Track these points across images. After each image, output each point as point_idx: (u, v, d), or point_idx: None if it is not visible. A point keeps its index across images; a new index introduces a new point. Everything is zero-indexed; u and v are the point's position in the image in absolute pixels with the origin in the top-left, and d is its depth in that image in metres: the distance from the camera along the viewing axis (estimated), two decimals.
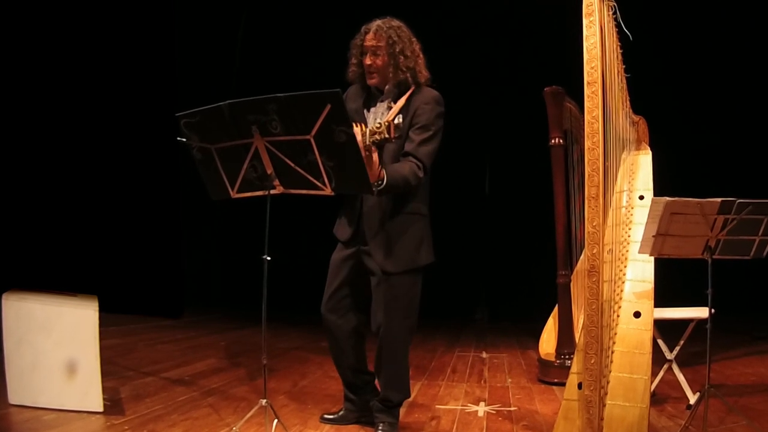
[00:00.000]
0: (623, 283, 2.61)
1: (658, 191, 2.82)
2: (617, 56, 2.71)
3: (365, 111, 2.69)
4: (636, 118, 3.18)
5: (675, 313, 3.21)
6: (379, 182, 2.42)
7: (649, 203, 2.51)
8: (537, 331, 4.22)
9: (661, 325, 3.20)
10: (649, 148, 3.13)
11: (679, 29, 6.75)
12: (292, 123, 2.24)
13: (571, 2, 2.56)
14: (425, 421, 2.99)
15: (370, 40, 2.63)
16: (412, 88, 2.64)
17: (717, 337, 2.67)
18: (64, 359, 2.80)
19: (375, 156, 2.38)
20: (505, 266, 7.44)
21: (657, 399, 3.26)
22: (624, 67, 2.81)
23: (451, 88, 2.91)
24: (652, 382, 2.90)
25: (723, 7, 6.64)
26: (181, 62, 6.35)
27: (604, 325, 2.39)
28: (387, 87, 2.66)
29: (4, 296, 2.87)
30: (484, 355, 4.92)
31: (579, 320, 3.71)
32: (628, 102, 2.99)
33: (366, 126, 2.42)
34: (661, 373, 3.30)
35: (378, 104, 2.68)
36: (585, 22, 2.38)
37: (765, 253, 2.51)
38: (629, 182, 2.94)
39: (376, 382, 2.79)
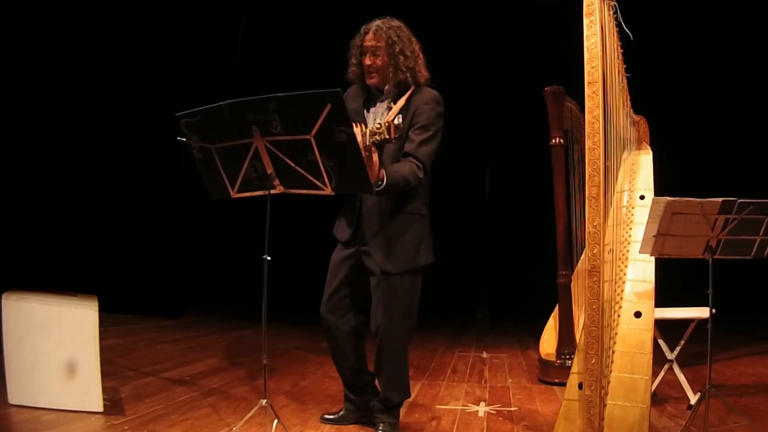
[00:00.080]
0: (624, 283, 2.60)
1: (658, 191, 2.82)
2: (618, 56, 2.70)
3: (365, 111, 2.69)
4: (637, 117, 3.17)
5: (676, 313, 3.21)
6: (379, 183, 2.42)
7: (650, 203, 2.51)
8: (537, 331, 4.21)
9: (661, 325, 3.19)
10: (649, 147, 3.13)
11: (679, 29, 6.74)
12: (292, 123, 2.24)
13: (572, 2, 2.56)
14: (425, 421, 2.99)
15: (369, 41, 2.62)
16: (412, 88, 2.63)
17: (718, 337, 2.67)
18: (63, 359, 2.80)
19: (375, 156, 2.38)
20: (505, 266, 7.43)
21: (658, 399, 3.25)
22: (625, 66, 2.80)
23: (452, 88, 2.90)
24: (652, 382, 2.90)
25: (723, 7, 6.64)
26: (181, 62, 6.35)
27: (604, 325, 2.38)
28: (387, 87, 2.66)
29: (4, 296, 2.87)
30: (484, 355, 4.92)
31: (579, 320, 3.70)
32: (628, 102, 2.98)
33: (366, 126, 2.41)
34: (662, 373, 3.29)
35: (378, 104, 2.68)
36: (586, 21, 2.38)
37: (766, 253, 2.50)
38: (630, 182, 2.94)
39: (377, 382, 2.78)
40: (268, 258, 2.35)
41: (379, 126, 2.30)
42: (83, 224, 5.41)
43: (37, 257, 5.08)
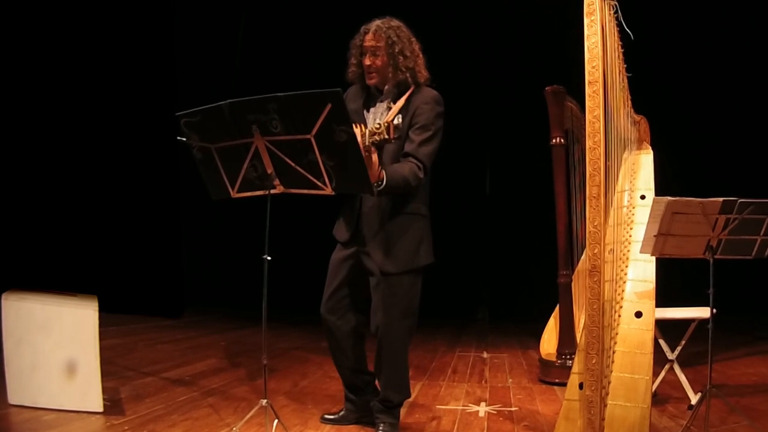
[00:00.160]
0: (624, 283, 2.60)
1: (659, 191, 2.82)
2: (618, 55, 2.70)
3: (365, 111, 2.68)
4: (637, 117, 3.17)
5: (676, 313, 3.20)
6: (379, 183, 2.41)
7: (651, 203, 2.51)
8: (538, 331, 4.21)
9: (662, 325, 3.19)
10: (650, 147, 3.12)
11: (680, 28, 6.74)
12: (292, 122, 2.24)
13: (572, 1, 2.55)
14: (426, 421, 2.99)
15: (369, 41, 2.62)
16: (412, 88, 2.63)
17: (718, 337, 2.66)
18: (63, 359, 2.79)
19: (374, 156, 2.37)
20: (506, 266, 7.43)
21: (658, 399, 3.25)
22: (625, 66, 2.80)
23: (452, 88, 2.90)
24: (653, 383, 2.89)
25: (724, 7, 6.64)
26: (181, 62, 6.35)
27: (605, 325, 2.38)
28: (386, 87, 2.65)
29: (3, 296, 2.86)
30: (485, 355, 4.92)
31: (580, 320, 3.70)
32: (629, 101, 2.98)
33: (365, 126, 2.41)
34: (663, 373, 3.29)
35: (377, 104, 2.67)
36: (586, 21, 2.38)
37: (766, 253, 2.50)
38: (631, 182, 2.94)
39: (377, 382, 2.78)
40: (268, 258, 2.35)
41: (378, 126, 2.30)
42: (83, 224, 5.41)
43: (37, 257, 5.08)
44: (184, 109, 2.40)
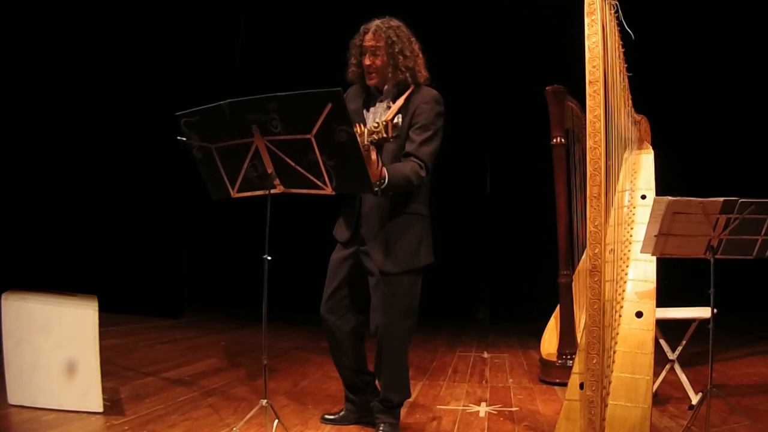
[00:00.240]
0: (625, 282, 2.60)
1: (660, 190, 2.81)
2: (619, 55, 2.70)
3: (364, 111, 2.68)
4: (638, 117, 3.17)
5: (677, 313, 3.20)
6: (381, 181, 2.41)
7: (651, 202, 2.50)
8: (538, 331, 4.20)
9: (663, 325, 3.19)
10: (651, 147, 3.12)
11: (681, 28, 6.74)
12: (292, 122, 2.23)
13: (573, 1, 2.55)
14: (426, 421, 2.98)
15: (369, 41, 2.62)
16: (412, 87, 2.63)
17: (719, 338, 2.66)
18: (63, 359, 2.79)
19: (374, 155, 2.36)
20: (506, 266, 7.42)
21: (659, 399, 3.25)
22: (626, 66, 2.80)
23: (452, 88, 2.90)
24: (654, 383, 2.89)
25: (724, 6, 6.63)
26: (181, 62, 6.35)
27: (605, 325, 2.38)
28: (386, 87, 2.65)
29: (3, 296, 2.86)
30: (485, 355, 4.92)
31: (581, 320, 3.69)
32: (630, 101, 2.98)
33: (365, 126, 2.40)
34: (664, 374, 3.29)
35: (377, 104, 2.67)
36: (587, 21, 2.38)
37: (767, 253, 2.50)
38: (631, 181, 2.93)
39: (377, 382, 2.78)
40: (269, 258, 2.34)
41: (376, 125, 2.29)
42: (83, 224, 5.40)
43: (37, 257, 5.08)
44: (184, 109, 2.40)
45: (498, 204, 7.53)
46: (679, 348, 3.23)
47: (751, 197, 2.37)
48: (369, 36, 2.62)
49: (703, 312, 3.10)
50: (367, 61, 2.62)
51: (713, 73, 6.82)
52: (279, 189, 2.38)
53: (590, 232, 2.35)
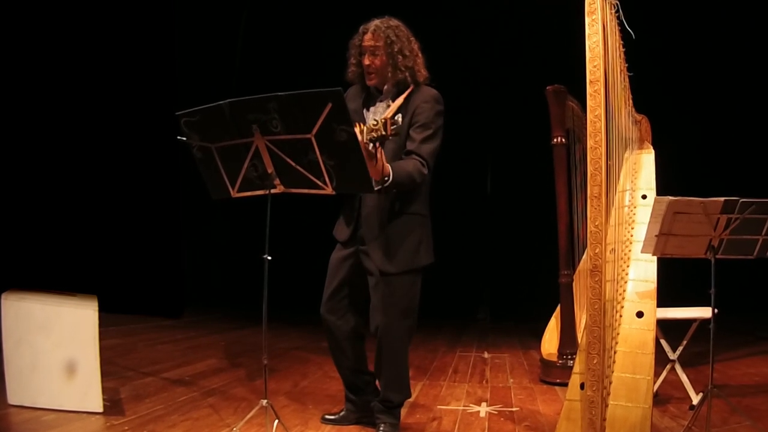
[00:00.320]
0: (626, 282, 2.60)
1: (660, 190, 2.81)
2: (620, 55, 2.69)
3: (364, 110, 2.68)
4: (639, 116, 3.16)
5: (678, 313, 3.19)
6: (385, 179, 2.40)
7: (652, 202, 2.50)
8: (539, 331, 4.20)
9: (663, 325, 3.18)
10: (651, 147, 3.12)
11: (681, 28, 6.74)
12: (292, 122, 2.23)
13: (573, 1, 2.54)
14: (426, 421, 2.98)
15: (368, 41, 2.62)
16: (411, 87, 2.62)
17: (720, 338, 2.66)
18: (63, 359, 2.79)
19: (380, 152, 2.35)
20: (507, 266, 7.42)
21: (660, 399, 3.24)
22: (626, 65, 2.79)
23: (453, 88, 2.89)
24: (654, 383, 2.89)
25: (725, 5, 6.63)
26: (181, 62, 6.35)
27: (606, 325, 2.37)
28: (386, 87, 2.65)
29: (3, 296, 2.86)
30: (485, 355, 4.91)
31: (581, 320, 3.69)
32: (630, 101, 2.97)
33: (364, 125, 2.40)
34: (664, 374, 3.28)
35: (378, 104, 2.67)
36: (587, 20, 2.37)
37: None
38: (632, 181, 2.93)
39: (377, 382, 2.77)
40: (269, 258, 2.34)
41: (375, 123, 2.28)
42: (83, 224, 5.40)
43: (37, 257, 5.07)
44: (184, 109, 2.39)
45: (498, 204, 7.53)
46: (680, 348, 3.23)
47: (751, 197, 2.37)
48: (368, 36, 2.62)
49: (704, 312, 3.09)
50: (366, 61, 2.62)
51: (714, 72, 6.81)
52: (279, 189, 2.38)
53: (591, 231, 2.34)
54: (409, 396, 2.83)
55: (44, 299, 2.85)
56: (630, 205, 2.84)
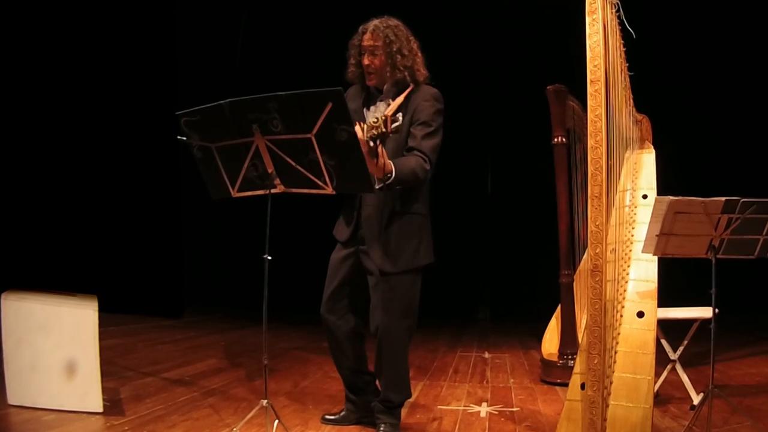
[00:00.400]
0: (626, 282, 2.59)
1: (661, 190, 2.81)
2: (620, 54, 2.69)
3: (365, 110, 2.68)
4: (639, 116, 3.16)
5: (679, 313, 3.19)
6: (388, 176, 2.40)
7: (653, 202, 2.49)
8: (539, 331, 4.20)
9: (664, 325, 3.18)
10: (652, 146, 3.11)
11: (682, 27, 6.73)
12: (293, 121, 2.23)
13: (574, 0, 2.54)
14: (427, 421, 2.98)
15: (367, 40, 2.62)
16: (411, 86, 2.62)
17: (721, 337, 2.65)
18: (63, 359, 2.78)
19: (381, 149, 2.35)
20: (507, 266, 7.42)
21: (660, 399, 3.24)
22: (627, 65, 2.79)
23: (453, 87, 2.89)
24: (655, 383, 2.88)
25: (725, 5, 6.63)
26: (181, 62, 6.34)
27: (607, 325, 2.37)
28: (386, 86, 2.65)
29: (3, 296, 2.85)
30: (486, 355, 4.91)
31: (582, 320, 3.69)
32: (631, 100, 2.97)
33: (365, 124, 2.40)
34: (665, 374, 3.28)
35: (378, 103, 2.67)
36: (588, 20, 2.37)
37: None
38: (632, 181, 2.93)
39: (378, 382, 2.77)
40: (269, 258, 2.34)
41: (375, 120, 2.28)
42: (83, 224, 5.39)
43: (37, 257, 5.07)
44: (184, 109, 2.39)
45: (499, 204, 7.53)
46: (681, 348, 3.22)
47: (752, 197, 2.37)
48: (367, 36, 2.62)
49: (705, 312, 3.09)
50: (365, 61, 2.62)
51: (715, 72, 6.81)
52: (279, 189, 2.37)
53: (591, 231, 2.34)
54: (410, 396, 2.82)
55: (44, 299, 2.85)
56: (631, 205, 2.84)
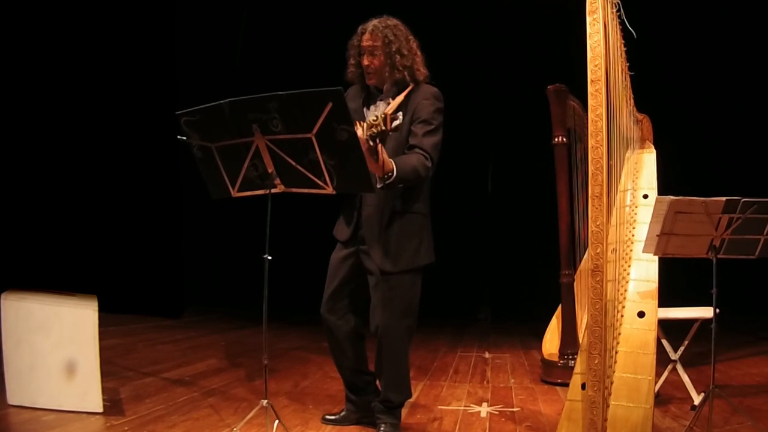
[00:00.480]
0: (627, 282, 2.59)
1: (662, 190, 2.80)
2: (621, 54, 2.69)
3: (365, 110, 2.68)
4: (640, 116, 3.16)
5: (679, 313, 3.19)
6: (389, 174, 2.39)
7: (653, 202, 2.49)
8: (540, 331, 4.19)
9: (665, 325, 3.18)
10: (653, 146, 3.11)
11: (683, 27, 6.73)
12: (293, 121, 2.23)
13: (574, 0, 2.54)
14: (427, 422, 2.97)
15: (366, 41, 2.61)
16: (411, 85, 2.62)
17: (721, 337, 2.65)
18: (63, 359, 2.78)
19: (380, 147, 2.34)
20: (508, 266, 7.41)
21: (661, 399, 3.24)
22: (628, 65, 2.79)
23: (453, 87, 2.89)
24: (656, 383, 2.88)
25: (726, 5, 6.62)
26: (181, 62, 6.34)
27: (607, 325, 2.37)
28: (386, 86, 2.65)
29: (3, 296, 2.85)
30: (486, 355, 4.90)
31: (582, 320, 3.68)
32: (632, 100, 2.97)
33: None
34: (666, 374, 3.28)
35: (378, 103, 2.67)
36: (588, 19, 2.36)
37: None
38: (633, 181, 2.92)
39: (378, 382, 2.77)
40: (269, 257, 2.33)
41: (375, 118, 2.27)
42: (83, 224, 5.39)
43: (37, 257, 5.07)
44: (184, 108, 2.39)
45: (499, 203, 7.53)
46: (682, 348, 3.22)
47: (753, 197, 2.36)
48: (366, 36, 2.62)
49: (706, 312, 3.08)
50: (365, 61, 2.62)
51: (715, 72, 6.81)
52: (279, 188, 2.37)
53: (592, 231, 2.34)
54: (410, 396, 2.82)
55: (44, 299, 2.84)
56: (631, 205, 2.84)
